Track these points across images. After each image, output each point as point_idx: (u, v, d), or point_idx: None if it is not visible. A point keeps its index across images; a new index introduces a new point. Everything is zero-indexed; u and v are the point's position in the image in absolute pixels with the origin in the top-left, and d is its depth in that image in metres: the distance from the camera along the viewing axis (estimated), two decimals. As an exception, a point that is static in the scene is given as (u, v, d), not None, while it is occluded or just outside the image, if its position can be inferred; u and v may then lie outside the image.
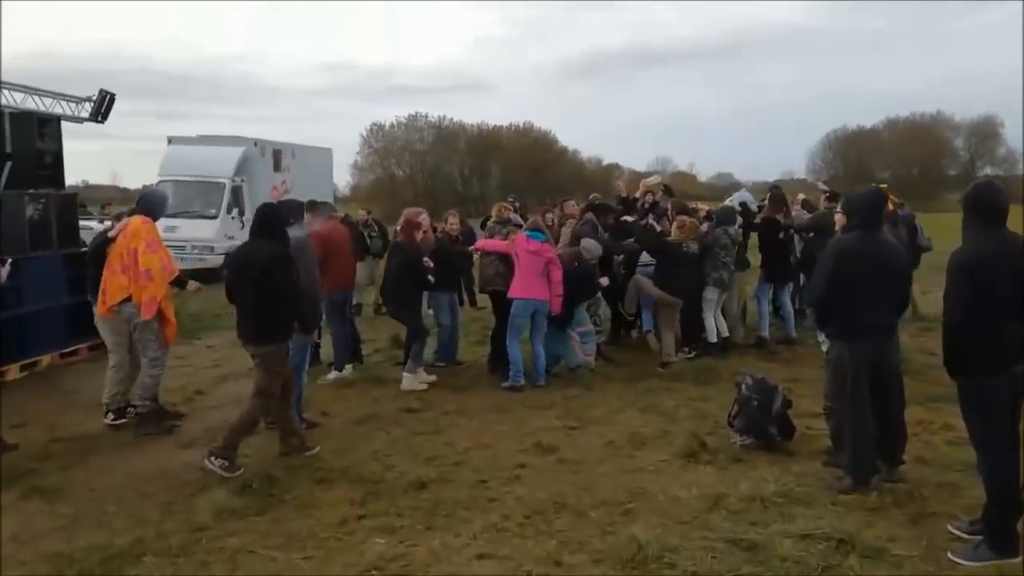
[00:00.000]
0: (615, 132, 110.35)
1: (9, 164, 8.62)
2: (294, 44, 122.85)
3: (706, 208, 9.87)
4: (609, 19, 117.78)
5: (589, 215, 9.08)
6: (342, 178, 56.15)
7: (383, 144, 55.86)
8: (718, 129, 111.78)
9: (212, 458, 5.24)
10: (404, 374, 7.69)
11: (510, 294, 7.63)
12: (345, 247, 8.22)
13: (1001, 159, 56.39)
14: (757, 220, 9.30)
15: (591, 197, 10.60)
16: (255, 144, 19.45)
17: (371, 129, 55.74)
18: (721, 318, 8.76)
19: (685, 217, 8.50)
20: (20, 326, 8.41)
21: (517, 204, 12.18)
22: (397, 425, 6.37)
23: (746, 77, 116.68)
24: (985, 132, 56.40)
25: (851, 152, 59.52)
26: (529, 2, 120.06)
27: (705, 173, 69.26)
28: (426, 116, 56.49)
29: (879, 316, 4.56)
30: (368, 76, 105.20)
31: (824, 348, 5.34)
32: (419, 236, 7.94)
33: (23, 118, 8.84)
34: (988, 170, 56.77)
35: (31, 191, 8.76)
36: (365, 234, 12.19)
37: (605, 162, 68.96)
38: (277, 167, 20.10)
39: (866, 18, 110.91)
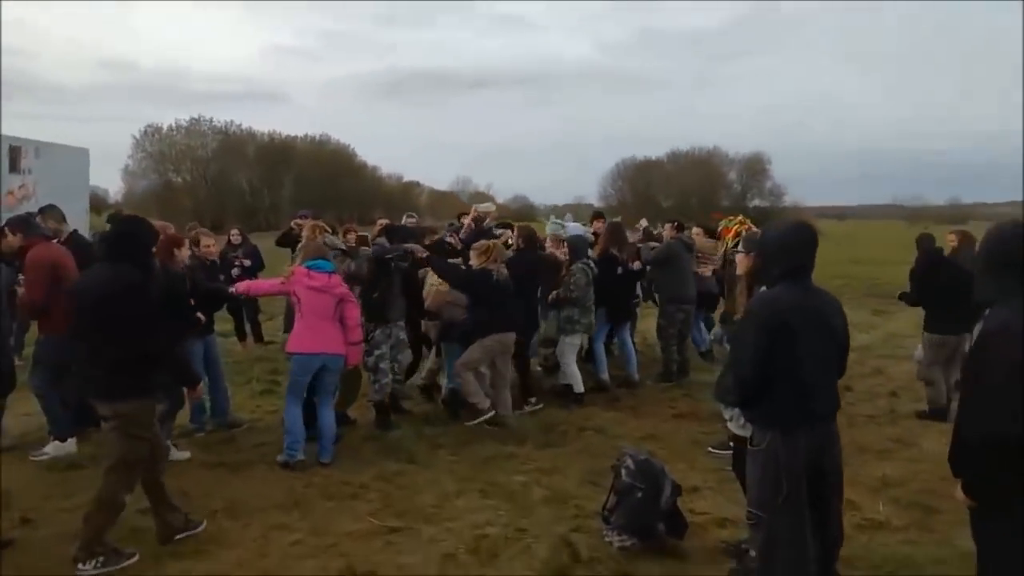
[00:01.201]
0: (416, 151, 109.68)
1: None
2: (71, 40, 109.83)
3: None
4: (413, 41, 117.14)
5: (381, 239, 7.27)
6: (114, 183, 50.08)
7: (159, 148, 50.34)
8: (515, 154, 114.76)
9: (81, 565, 3.93)
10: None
11: (287, 347, 5.82)
12: (74, 273, 6.00)
13: (768, 191, 61.95)
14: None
15: (407, 216, 9.01)
16: (-16, 139, 15.73)
17: (146, 131, 50.08)
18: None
19: (484, 241, 6.93)
20: None
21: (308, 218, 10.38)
22: (137, 539, 4.33)
23: (544, 107, 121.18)
24: (755, 168, 61.72)
25: (639, 181, 62.67)
26: (324, 15, 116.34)
27: (502, 195, 69.93)
28: (211, 120, 51.77)
29: (827, 395, 3.39)
30: (151, 78, 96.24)
31: (731, 425, 4.14)
32: (182, 256, 5.89)
33: None
34: (757, 201, 62.27)
35: None
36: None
37: (406, 179, 67.68)
38: (14, 167, 16.39)
39: (652, 60, 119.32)
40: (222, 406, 6.54)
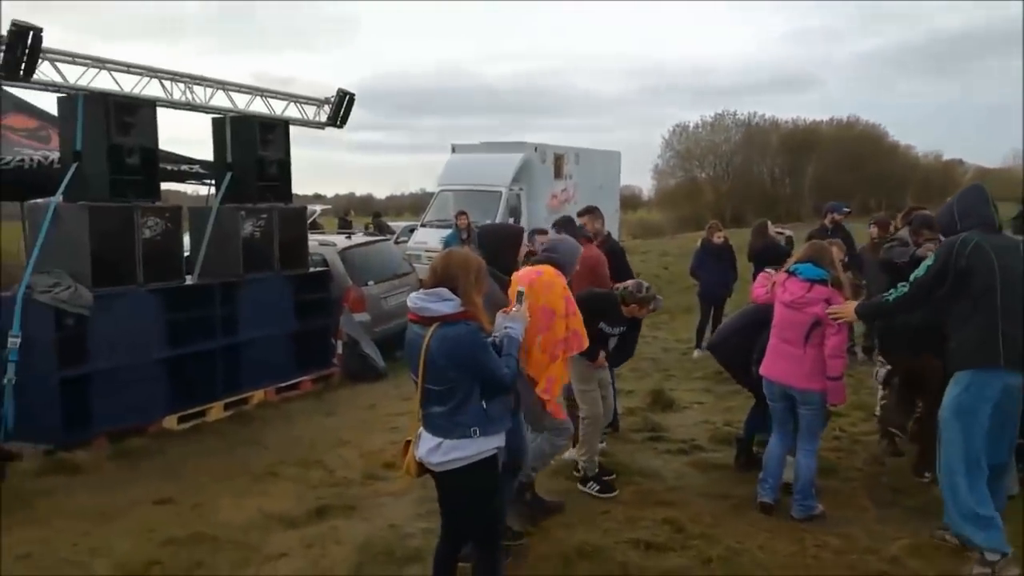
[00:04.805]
0: (958, 124, 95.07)
1: (229, 175, 7.69)
2: (600, 52, 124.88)
3: None
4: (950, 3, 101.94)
5: (904, 230, 5.65)
6: (646, 182, 54.69)
7: (685, 146, 52.89)
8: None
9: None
10: None
11: (761, 368, 4.81)
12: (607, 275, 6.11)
13: None
14: None
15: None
16: (535, 150, 18.08)
17: (673, 131, 53.14)
18: None
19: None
20: (231, 358, 7.41)
21: (847, 210, 9.44)
22: None
23: None
24: None
25: None
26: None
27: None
28: (734, 114, 52.58)
29: None
30: (678, 79, 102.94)
31: None
32: None
33: (244, 123, 7.85)
34: None
35: (249, 205, 7.74)
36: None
37: (946, 157, 58.96)
38: (558, 174, 18.59)
39: None
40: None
